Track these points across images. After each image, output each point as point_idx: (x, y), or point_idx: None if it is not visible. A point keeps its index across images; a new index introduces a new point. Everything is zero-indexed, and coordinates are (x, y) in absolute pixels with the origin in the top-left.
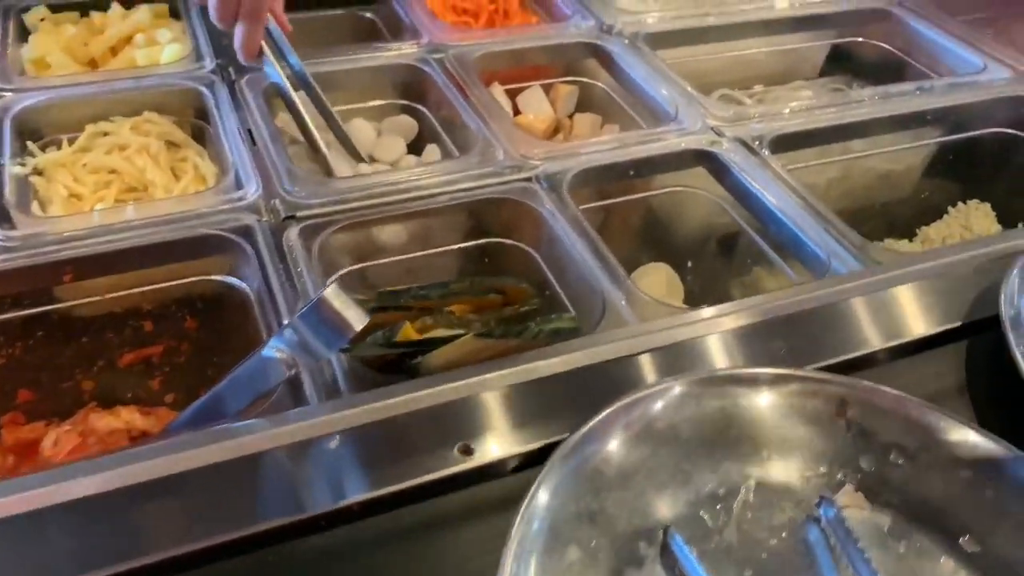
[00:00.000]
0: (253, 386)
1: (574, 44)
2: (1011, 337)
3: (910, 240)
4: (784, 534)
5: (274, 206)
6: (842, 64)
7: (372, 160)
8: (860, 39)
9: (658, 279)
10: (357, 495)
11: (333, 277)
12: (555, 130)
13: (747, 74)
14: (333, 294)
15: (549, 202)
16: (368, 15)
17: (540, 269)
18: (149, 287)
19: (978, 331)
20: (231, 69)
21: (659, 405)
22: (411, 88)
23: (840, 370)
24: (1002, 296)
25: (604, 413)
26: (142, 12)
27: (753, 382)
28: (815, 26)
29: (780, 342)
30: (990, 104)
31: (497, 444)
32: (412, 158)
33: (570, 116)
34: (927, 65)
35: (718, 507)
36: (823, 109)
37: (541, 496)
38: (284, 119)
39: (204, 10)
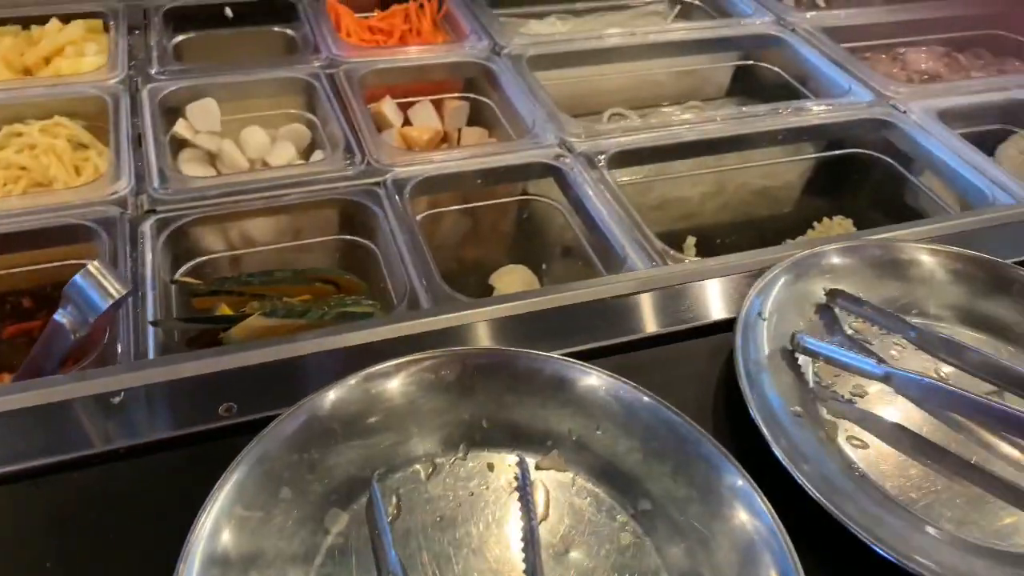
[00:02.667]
0: (53, 347)
1: (465, 63)
2: (738, 336)
3: None
4: (484, 487)
5: (139, 202)
6: (743, 85)
7: (264, 164)
8: (752, 62)
9: (515, 279)
10: (125, 440)
11: (187, 267)
12: (442, 141)
13: (651, 94)
14: (94, 268)
15: (388, 205)
16: (289, 32)
17: (379, 265)
18: (26, 268)
19: (728, 329)
20: (137, 80)
21: (392, 379)
22: (305, 99)
23: (595, 353)
24: (744, 301)
25: (345, 381)
26: (75, 27)
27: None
28: (716, 49)
29: (546, 329)
30: (850, 125)
31: (260, 405)
32: (302, 163)
33: (460, 130)
34: (811, 88)
35: (433, 463)
36: (673, 127)
37: (266, 443)
38: (184, 125)
39: (130, 26)
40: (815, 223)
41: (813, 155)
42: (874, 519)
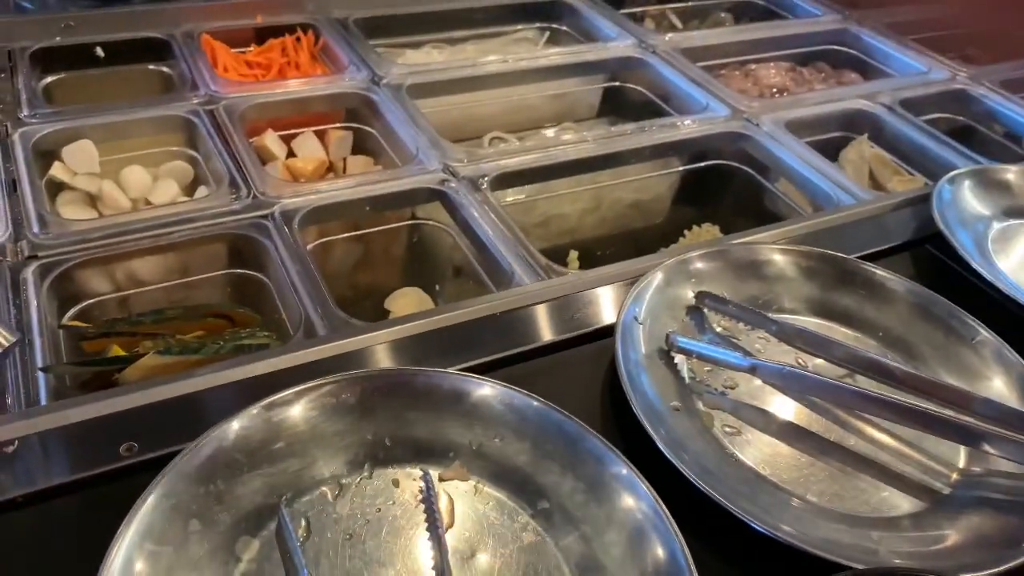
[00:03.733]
0: None
1: (345, 94)
2: (618, 340)
3: None
4: (391, 503)
5: (19, 248)
6: (613, 105)
7: (147, 203)
8: (619, 83)
9: (410, 301)
10: (22, 489)
11: (74, 310)
12: (328, 171)
13: (529, 116)
14: None
15: (278, 237)
16: (165, 70)
17: (272, 296)
18: None
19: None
20: (7, 124)
21: (293, 406)
22: (186, 136)
23: (492, 366)
24: (621, 307)
25: (247, 411)
26: None
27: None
28: (584, 72)
29: (444, 346)
30: (710, 139)
31: (161, 442)
32: (184, 199)
33: (345, 159)
34: (673, 105)
35: (340, 484)
36: (549, 148)
37: (172, 478)
38: (61, 168)
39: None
40: (686, 231)
41: (679, 168)
42: (747, 497)
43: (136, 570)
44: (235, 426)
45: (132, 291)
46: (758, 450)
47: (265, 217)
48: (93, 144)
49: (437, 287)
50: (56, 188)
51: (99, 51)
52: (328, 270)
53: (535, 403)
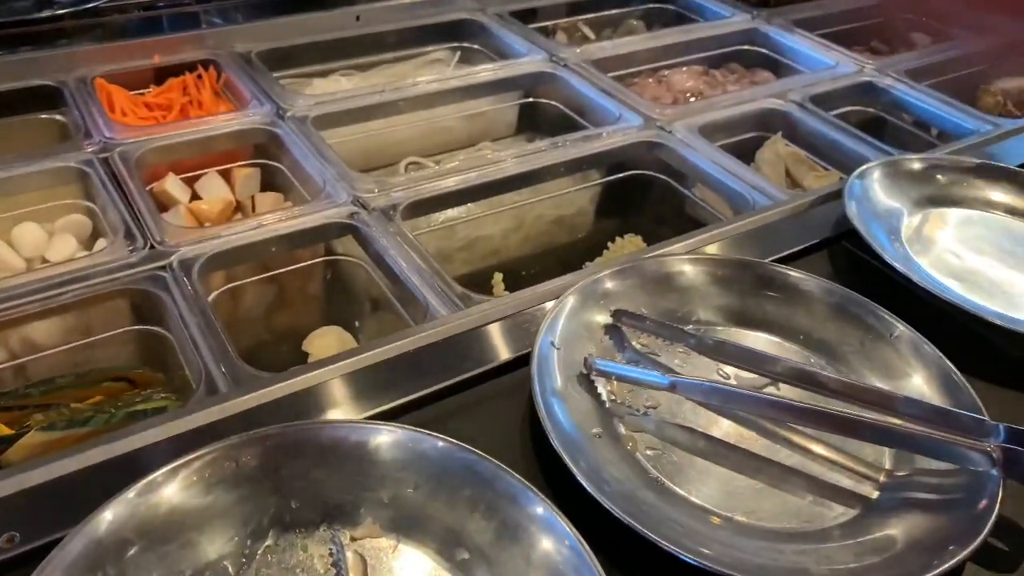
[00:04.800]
0: None
1: (249, 130)
2: (534, 369)
3: None
4: (299, 572)
5: None
6: (530, 122)
7: (44, 261)
8: (532, 99)
9: (329, 341)
10: None
11: None
12: (236, 211)
13: (445, 138)
14: None
15: (176, 288)
16: (58, 118)
17: (175, 353)
18: None
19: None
20: None
21: (178, 478)
22: (81, 187)
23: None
24: (537, 334)
25: (123, 494)
26: None
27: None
28: (498, 90)
29: (347, 391)
30: (625, 149)
31: (47, 528)
32: (85, 255)
33: (253, 197)
34: (588, 118)
35: (243, 556)
36: (464, 172)
37: (50, 572)
38: None
39: None
40: (609, 243)
41: (598, 181)
42: (673, 525)
43: None
44: (116, 509)
45: (28, 358)
46: (684, 471)
47: (163, 268)
48: None
49: (357, 323)
50: None
51: None
52: (239, 316)
53: (441, 444)
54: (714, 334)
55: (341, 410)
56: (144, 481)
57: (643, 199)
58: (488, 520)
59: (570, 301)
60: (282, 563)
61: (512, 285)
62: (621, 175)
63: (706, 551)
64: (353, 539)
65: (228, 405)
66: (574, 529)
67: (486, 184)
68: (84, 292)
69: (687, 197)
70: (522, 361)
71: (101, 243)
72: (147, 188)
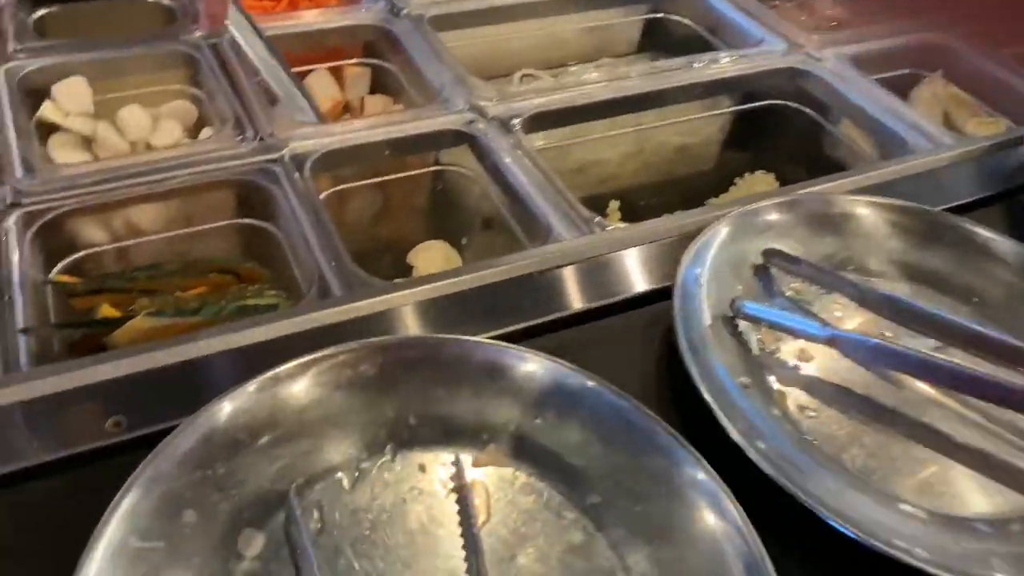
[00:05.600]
0: None
1: (362, 27)
2: (676, 306)
3: None
4: (417, 492)
5: (1, 195)
6: (654, 40)
7: (148, 147)
8: (662, 15)
9: (434, 256)
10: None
11: (64, 264)
12: (344, 112)
13: (560, 53)
14: None
15: (288, 183)
16: (167, 2)
17: (283, 251)
18: None
19: (665, 297)
20: None
21: (302, 379)
22: (189, 73)
23: (526, 334)
24: (679, 266)
25: (244, 387)
26: None
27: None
28: (624, 2)
29: (464, 310)
30: (765, 75)
31: (153, 416)
32: (189, 143)
33: (362, 98)
34: (723, 39)
35: (358, 469)
36: (589, 85)
37: (162, 461)
38: (52, 108)
39: None
40: (736, 179)
41: (730, 109)
42: (836, 496)
43: (116, 570)
44: (236, 402)
45: (129, 242)
46: (839, 437)
47: (274, 161)
48: (87, 82)
49: (464, 240)
50: (47, 130)
51: None
52: (344, 221)
53: (589, 382)
54: (878, 287)
55: (458, 328)
56: (266, 376)
57: (778, 133)
58: (632, 472)
59: (721, 233)
60: (399, 481)
61: (628, 215)
62: (757, 104)
63: (883, 535)
64: (475, 465)
65: (343, 310)
66: (738, 506)
67: (611, 101)
68: (190, 179)
69: (829, 133)
70: (653, 296)
71: (206, 132)
72: (256, 79)
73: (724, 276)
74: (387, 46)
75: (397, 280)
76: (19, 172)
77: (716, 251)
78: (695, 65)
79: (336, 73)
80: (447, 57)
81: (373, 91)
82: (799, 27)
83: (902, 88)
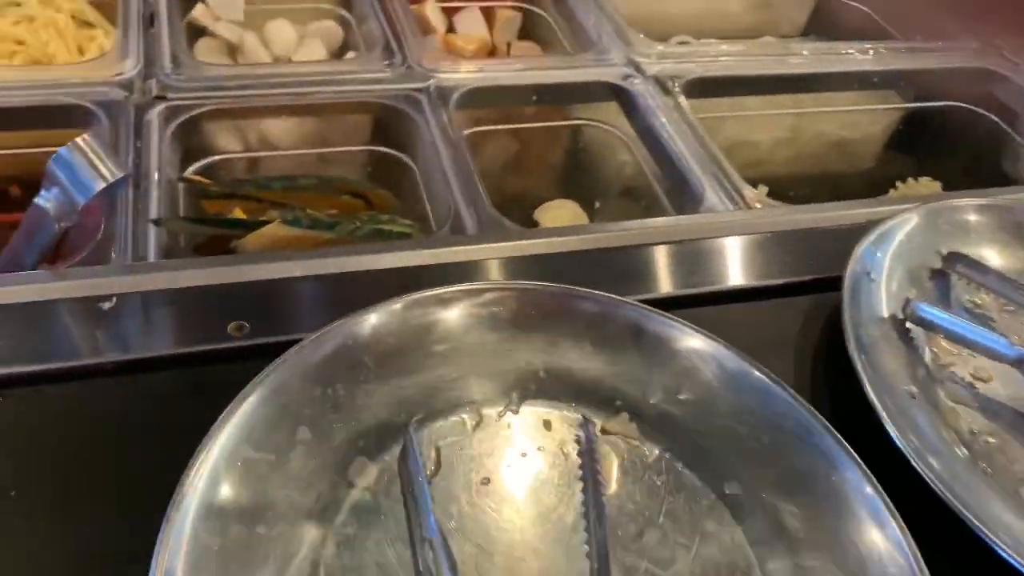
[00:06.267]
0: (35, 237)
1: None
2: (846, 298)
3: None
4: (540, 448)
5: (148, 86)
6: (822, 25)
7: (290, 62)
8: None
9: (563, 215)
10: (115, 355)
11: (198, 165)
12: (489, 54)
13: (721, 26)
14: (84, 142)
15: (432, 116)
16: None
17: (416, 183)
18: (14, 151)
19: (827, 289)
20: None
21: (441, 309)
22: None
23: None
24: (852, 256)
25: (387, 305)
26: None
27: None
28: None
29: (603, 270)
30: (949, 73)
31: (276, 327)
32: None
33: (509, 43)
34: (899, 28)
35: (480, 414)
36: (756, 57)
37: (285, 370)
38: (204, 11)
39: None
40: (898, 183)
41: (902, 105)
42: (1012, 531)
43: (227, 478)
44: (371, 320)
45: (262, 153)
46: (1015, 471)
47: (419, 91)
48: None
49: (597, 204)
50: (196, 33)
51: None
52: (478, 163)
53: (756, 372)
54: None
55: (601, 288)
56: (394, 301)
57: (952, 138)
58: (776, 466)
59: (907, 224)
60: (523, 433)
61: None
62: (932, 104)
63: None
64: (603, 431)
65: (479, 248)
66: (907, 533)
67: (777, 77)
68: (333, 96)
69: (1013, 146)
70: (818, 285)
71: (350, 56)
72: (409, 7)
73: (897, 275)
74: None
75: (540, 228)
76: (167, 66)
77: (896, 246)
78: (873, 51)
79: (487, 14)
80: (608, 7)
81: (522, 38)
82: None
83: None
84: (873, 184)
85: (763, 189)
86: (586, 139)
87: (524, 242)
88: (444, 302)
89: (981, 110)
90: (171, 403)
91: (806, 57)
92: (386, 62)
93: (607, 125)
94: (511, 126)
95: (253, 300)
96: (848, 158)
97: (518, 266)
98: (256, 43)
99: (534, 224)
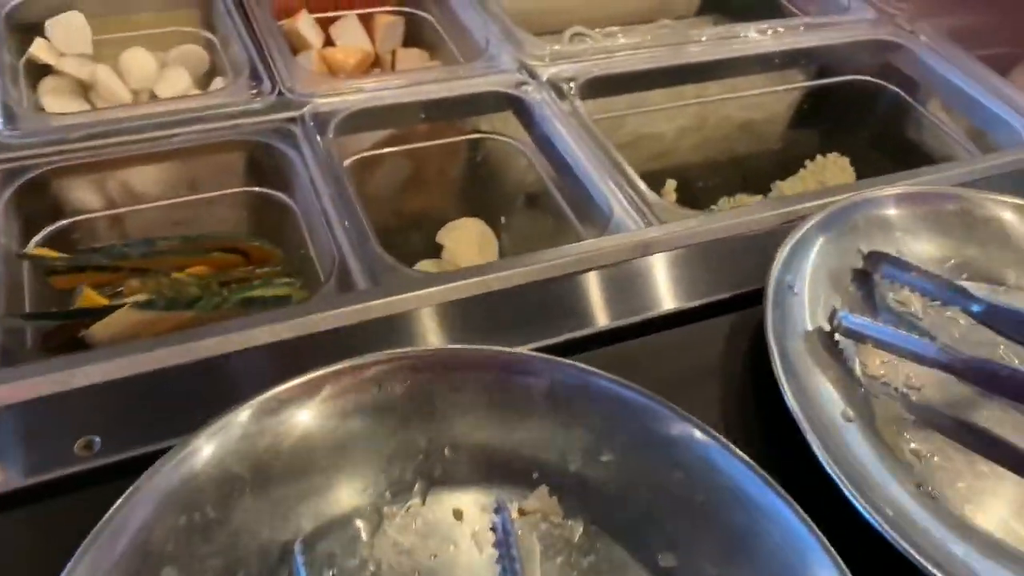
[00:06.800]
0: None
1: None
2: (768, 316)
3: (764, 196)
4: (451, 546)
5: None
6: (718, 2)
7: (153, 96)
8: None
9: (468, 235)
10: None
11: (46, 233)
12: (373, 65)
13: (615, 10)
14: None
15: (309, 149)
16: None
17: (298, 225)
18: None
19: (748, 304)
20: None
21: (312, 399)
22: (201, 14)
23: (582, 345)
24: (776, 257)
25: (238, 411)
26: None
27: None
28: None
29: (511, 313)
30: (849, 48)
31: (133, 437)
32: (197, 92)
33: (395, 51)
34: (796, 3)
35: (380, 514)
36: (653, 48)
37: (137, 502)
38: (44, 47)
39: None
40: (807, 161)
41: (805, 83)
42: (962, 567)
43: None
44: (237, 422)
45: (124, 209)
46: (960, 484)
47: (293, 120)
48: (85, 18)
49: (503, 219)
50: (39, 72)
51: None
52: (368, 192)
53: (670, 415)
54: (1005, 301)
55: (503, 335)
56: (264, 397)
57: (856, 112)
58: (722, 533)
59: (817, 229)
60: (430, 531)
61: (685, 197)
62: (837, 79)
63: None
64: (522, 512)
65: (365, 308)
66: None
67: (677, 68)
68: (197, 138)
69: (917, 117)
70: (737, 302)
71: (218, 83)
72: (278, 24)
73: (820, 281)
74: None
75: (430, 269)
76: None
77: (816, 251)
78: (769, 32)
79: (366, 22)
80: (493, 7)
81: (407, 44)
82: None
83: (999, 68)
84: (782, 164)
85: (671, 185)
86: (484, 152)
87: (419, 293)
88: (317, 388)
89: (881, 81)
90: (10, 551)
91: (705, 44)
92: (254, 90)
93: (505, 136)
94: (401, 148)
95: (103, 406)
96: (755, 139)
97: (414, 321)
98: (111, 77)
99: (438, 248)
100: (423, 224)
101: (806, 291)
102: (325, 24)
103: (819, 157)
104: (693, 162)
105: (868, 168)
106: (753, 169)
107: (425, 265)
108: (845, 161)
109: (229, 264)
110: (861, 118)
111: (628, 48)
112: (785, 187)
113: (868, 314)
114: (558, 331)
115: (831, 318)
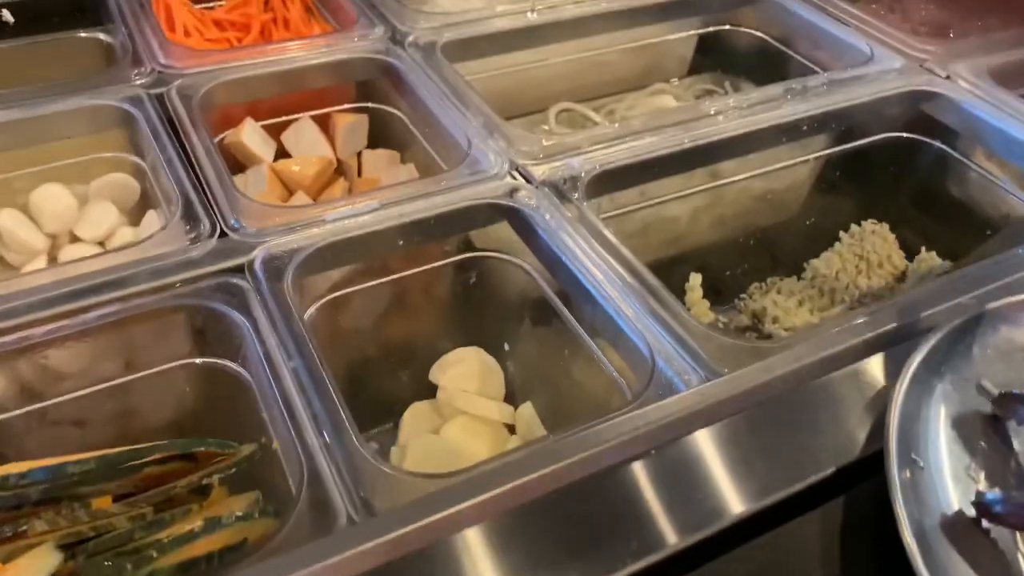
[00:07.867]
0: None
1: (356, 61)
2: (898, 507)
3: (798, 277)
4: None
5: None
6: (712, 58)
7: (74, 238)
8: (729, 27)
9: (467, 370)
10: None
11: None
12: (336, 174)
13: (601, 78)
14: None
15: (260, 306)
16: (103, 38)
17: (255, 403)
18: None
19: (862, 477)
20: None
21: None
22: (128, 135)
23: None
24: (889, 421)
25: None
26: None
27: None
28: (674, 15)
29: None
30: (879, 103)
31: None
32: (128, 231)
33: (360, 154)
34: (808, 55)
35: None
36: (660, 130)
37: None
38: None
39: None
40: (841, 233)
41: (833, 149)
42: None
43: None
44: None
45: (43, 404)
46: None
47: (239, 270)
48: None
49: (506, 346)
50: None
51: (6, 14)
52: (342, 327)
53: None
54: None
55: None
56: None
57: (892, 172)
58: None
59: (925, 370)
60: None
61: (711, 293)
62: (864, 140)
63: None
64: None
65: (348, 559)
66: None
67: (692, 151)
68: (123, 309)
69: (962, 171)
70: (839, 481)
71: (151, 217)
72: (216, 139)
73: (944, 443)
74: (389, 84)
75: (425, 411)
76: None
77: (933, 404)
78: (795, 94)
79: (323, 123)
80: (471, 97)
81: (373, 145)
82: (912, 35)
83: None
84: (812, 237)
85: (695, 280)
86: (481, 270)
87: (417, 526)
88: None
89: (916, 136)
90: None
91: (720, 120)
92: (190, 234)
93: (500, 253)
94: (378, 281)
95: None
96: (778, 210)
97: (421, 565)
98: (20, 224)
99: (432, 387)
100: (412, 361)
101: (930, 460)
102: (275, 131)
103: (854, 226)
104: (713, 243)
105: (911, 233)
106: (781, 246)
107: (419, 408)
108: (885, 228)
109: (175, 474)
110: (897, 178)
111: (633, 132)
112: (821, 265)
113: (1012, 477)
114: (612, 564)
115: (976, 501)
